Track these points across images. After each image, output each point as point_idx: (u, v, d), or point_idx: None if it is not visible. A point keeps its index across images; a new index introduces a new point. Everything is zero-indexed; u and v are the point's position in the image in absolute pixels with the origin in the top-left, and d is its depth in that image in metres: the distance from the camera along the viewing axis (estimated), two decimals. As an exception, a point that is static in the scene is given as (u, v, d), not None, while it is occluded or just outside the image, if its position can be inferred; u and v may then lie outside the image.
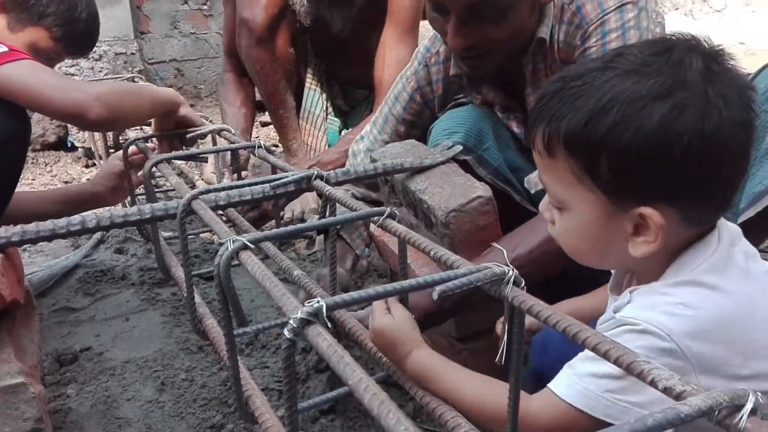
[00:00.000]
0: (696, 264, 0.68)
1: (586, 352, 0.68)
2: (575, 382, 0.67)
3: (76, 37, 1.50)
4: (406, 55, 1.60)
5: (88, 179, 2.63)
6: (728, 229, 0.72)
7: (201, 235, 1.88)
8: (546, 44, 1.16)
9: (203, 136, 1.47)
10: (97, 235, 1.89)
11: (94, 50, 3.70)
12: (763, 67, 1.00)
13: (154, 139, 1.51)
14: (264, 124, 3.26)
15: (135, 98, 1.35)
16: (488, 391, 0.71)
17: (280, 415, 0.77)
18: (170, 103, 1.42)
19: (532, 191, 1.12)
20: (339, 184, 1.14)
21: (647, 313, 0.66)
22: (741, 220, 0.98)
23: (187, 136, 1.48)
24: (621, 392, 0.63)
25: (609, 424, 0.63)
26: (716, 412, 0.40)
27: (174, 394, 1.18)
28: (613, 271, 0.83)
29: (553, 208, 0.75)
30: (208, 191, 0.95)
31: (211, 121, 1.64)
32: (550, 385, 0.70)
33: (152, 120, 1.46)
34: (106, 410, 1.15)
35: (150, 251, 1.79)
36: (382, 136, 1.46)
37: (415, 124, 1.44)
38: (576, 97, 0.68)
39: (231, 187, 0.98)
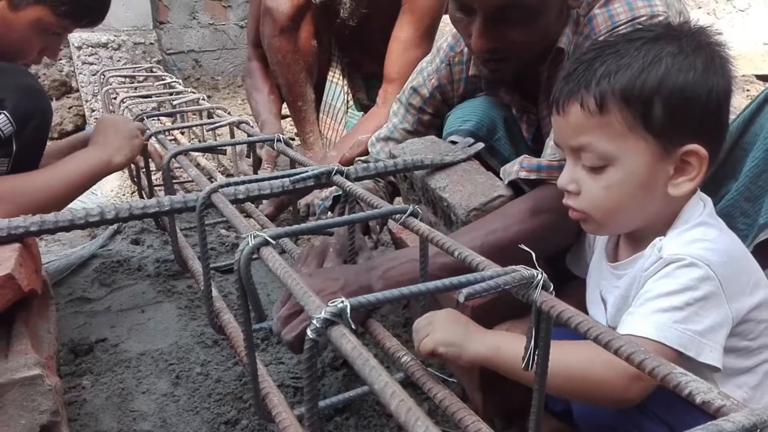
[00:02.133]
0: (698, 213, 0.81)
1: (640, 299, 0.76)
2: (647, 318, 0.74)
3: (83, 11, 1.42)
4: (423, 59, 1.58)
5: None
6: (707, 197, 0.84)
7: (217, 227, 1.88)
8: (563, 54, 1.14)
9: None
10: (114, 225, 1.89)
11: (113, 39, 3.72)
12: None
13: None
14: (282, 117, 3.25)
15: (45, 202, 1.21)
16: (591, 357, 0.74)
17: (297, 413, 0.76)
18: (102, 175, 1.36)
19: (506, 181, 1.10)
20: (359, 179, 1.13)
21: (688, 248, 0.76)
22: (762, 237, 0.95)
23: (207, 128, 1.48)
24: (684, 322, 0.72)
25: (682, 354, 0.72)
26: (759, 430, 0.39)
27: (189, 388, 1.17)
28: (597, 248, 0.94)
29: (586, 174, 0.81)
30: (227, 184, 0.94)
31: (229, 113, 1.63)
32: (626, 331, 0.75)
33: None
34: (120, 403, 1.14)
35: (166, 243, 1.78)
36: (402, 125, 1.44)
37: (435, 118, 1.42)
38: (619, 58, 0.78)
39: (250, 181, 0.98)
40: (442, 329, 0.78)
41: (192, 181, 1.96)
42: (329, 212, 1.54)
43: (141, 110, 1.63)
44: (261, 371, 0.80)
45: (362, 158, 1.50)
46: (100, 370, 1.24)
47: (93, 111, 3.25)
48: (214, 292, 1.00)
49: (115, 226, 1.89)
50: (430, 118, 1.41)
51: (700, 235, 0.78)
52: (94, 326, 1.40)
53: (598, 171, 0.80)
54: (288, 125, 3.08)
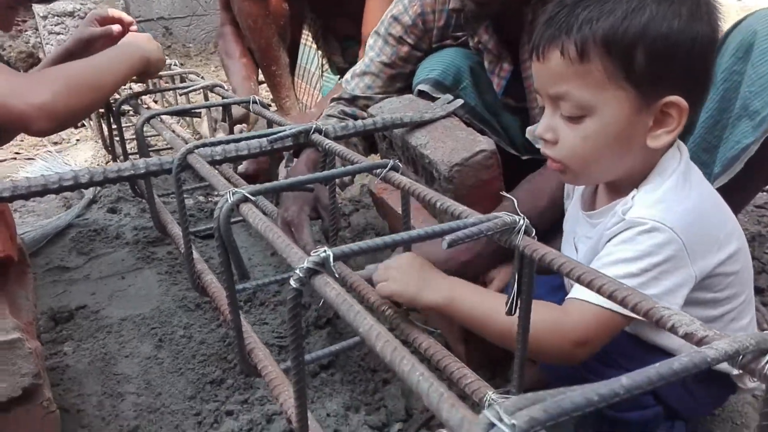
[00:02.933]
0: (672, 168, 0.80)
1: (599, 262, 0.77)
2: None
3: None
4: None
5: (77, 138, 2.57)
6: (684, 145, 0.83)
7: (195, 194, 1.86)
8: None
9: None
10: (89, 194, 1.86)
11: (79, 8, 3.61)
12: (732, 28, 0.98)
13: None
14: (258, 82, 3.20)
15: (93, 83, 1.23)
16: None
17: (282, 368, 0.76)
18: (141, 67, 1.36)
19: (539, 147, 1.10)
20: (338, 138, 1.12)
21: (651, 210, 0.75)
22: (716, 186, 0.97)
23: (180, 92, 1.45)
24: (640, 287, 0.69)
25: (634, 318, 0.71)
26: (741, 356, 0.39)
27: (172, 351, 1.17)
28: (574, 196, 0.94)
29: (564, 124, 0.79)
30: (203, 145, 0.92)
31: (202, 77, 1.60)
32: (575, 295, 0.75)
33: None
34: (104, 367, 1.14)
35: (144, 210, 1.76)
36: (380, 57, 1.38)
37: (414, 50, 1.37)
38: (602, 3, 0.76)
39: (227, 141, 0.96)
40: (398, 279, 0.77)
41: (168, 148, 1.93)
42: (294, 158, 1.50)
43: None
44: (246, 328, 0.80)
45: (336, 96, 1.45)
46: (81, 337, 1.23)
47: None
48: (195, 254, 0.99)
49: (90, 196, 1.86)
50: (409, 49, 1.35)
51: (669, 194, 0.77)
52: (74, 294, 1.38)
53: (575, 121, 0.79)
54: (264, 91, 3.03)
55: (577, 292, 0.75)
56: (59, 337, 1.24)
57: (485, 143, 1.10)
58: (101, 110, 2.06)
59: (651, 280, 0.73)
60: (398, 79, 1.39)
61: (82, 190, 1.87)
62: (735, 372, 0.87)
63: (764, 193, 1.87)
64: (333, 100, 1.45)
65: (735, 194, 1.00)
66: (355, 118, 1.38)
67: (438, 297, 0.77)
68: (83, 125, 2.77)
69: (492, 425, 0.32)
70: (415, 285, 0.77)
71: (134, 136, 1.86)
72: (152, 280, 1.42)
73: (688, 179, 0.80)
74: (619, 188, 0.83)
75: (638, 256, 0.74)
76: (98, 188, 1.89)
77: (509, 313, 0.64)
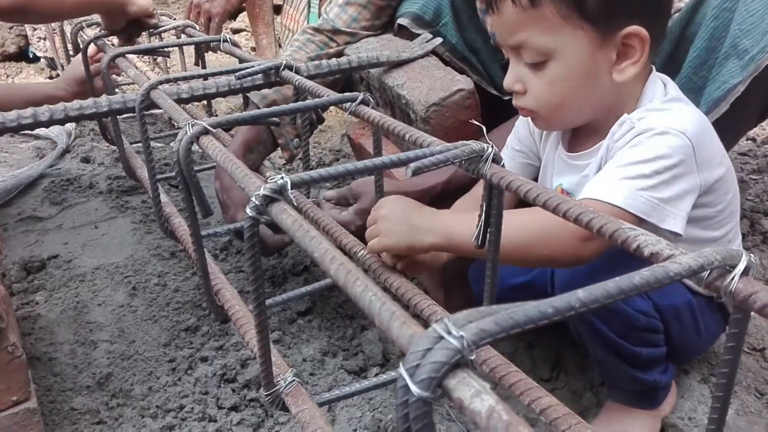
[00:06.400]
0: (660, 91, 0.80)
1: (611, 166, 0.75)
2: (612, 184, 0.73)
3: None
4: None
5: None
6: (667, 77, 0.84)
7: (172, 143, 1.82)
8: None
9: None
10: (62, 144, 1.82)
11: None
12: None
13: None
14: (235, 31, 3.12)
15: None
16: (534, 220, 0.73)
17: (251, 308, 0.74)
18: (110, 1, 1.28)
19: None
20: (311, 78, 1.08)
21: (661, 120, 0.75)
22: None
23: (151, 32, 1.40)
24: (651, 189, 0.72)
25: (643, 220, 0.71)
26: (707, 273, 0.38)
27: (146, 299, 1.15)
28: (549, 141, 0.91)
29: (529, 72, 0.79)
30: (167, 81, 0.88)
31: (174, 18, 1.54)
32: (586, 195, 0.74)
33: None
34: (76, 315, 1.12)
35: (118, 160, 1.72)
36: None
37: None
38: None
39: (193, 77, 0.92)
40: (389, 231, 0.74)
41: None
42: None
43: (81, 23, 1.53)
44: (213, 269, 0.78)
45: (316, 24, 1.37)
46: (53, 286, 1.21)
47: (35, 30, 3.06)
48: (164, 198, 0.97)
49: (63, 146, 1.81)
50: None
51: (673, 104, 0.78)
52: (46, 244, 1.36)
53: (539, 67, 0.78)
54: (243, 40, 2.96)
55: (591, 191, 0.74)
56: (31, 286, 1.21)
57: (463, 82, 1.07)
58: (72, 55, 1.99)
59: (662, 184, 0.72)
60: (386, 11, 1.32)
61: (55, 140, 1.83)
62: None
63: (748, 141, 1.86)
64: (312, 29, 1.36)
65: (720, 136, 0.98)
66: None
67: (435, 238, 0.73)
68: (58, 74, 2.70)
69: (440, 338, 0.30)
70: (408, 233, 0.74)
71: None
72: (126, 229, 1.39)
73: (684, 98, 0.81)
74: (601, 129, 0.82)
75: (651, 158, 0.73)
76: (72, 137, 1.84)
77: (479, 246, 0.62)
